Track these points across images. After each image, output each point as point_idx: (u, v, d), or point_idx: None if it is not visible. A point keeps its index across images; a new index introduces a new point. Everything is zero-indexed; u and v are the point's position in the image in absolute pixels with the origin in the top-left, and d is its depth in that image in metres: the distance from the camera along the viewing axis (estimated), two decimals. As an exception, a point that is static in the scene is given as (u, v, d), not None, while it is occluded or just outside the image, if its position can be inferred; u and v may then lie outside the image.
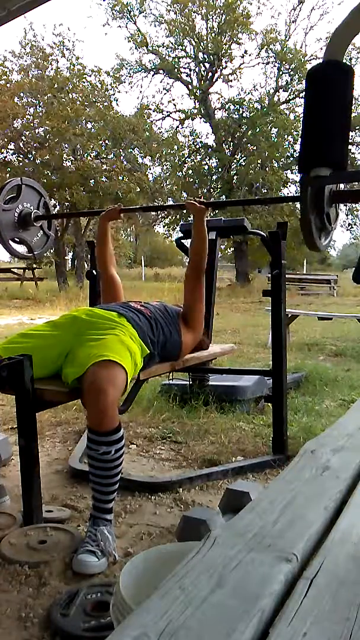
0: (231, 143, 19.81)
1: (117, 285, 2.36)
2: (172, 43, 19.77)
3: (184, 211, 19.92)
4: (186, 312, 2.17)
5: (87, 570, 1.47)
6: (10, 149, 17.76)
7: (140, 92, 42.24)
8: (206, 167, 20.36)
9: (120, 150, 18.12)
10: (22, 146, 17.44)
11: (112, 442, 1.53)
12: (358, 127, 17.51)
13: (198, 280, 2.20)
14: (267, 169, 18.71)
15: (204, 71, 20.09)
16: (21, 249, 2.62)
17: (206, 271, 2.91)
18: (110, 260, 2.40)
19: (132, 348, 1.71)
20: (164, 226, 21.76)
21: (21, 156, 17.84)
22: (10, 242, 2.49)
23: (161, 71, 20.02)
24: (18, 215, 2.50)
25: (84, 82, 17.81)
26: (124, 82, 19.67)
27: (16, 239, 2.50)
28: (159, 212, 21.46)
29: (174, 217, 20.34)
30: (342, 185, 1.25)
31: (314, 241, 1.15)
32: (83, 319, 1.84)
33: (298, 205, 20.36)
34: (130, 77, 19.91)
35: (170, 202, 20.51)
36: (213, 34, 19.20)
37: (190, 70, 20.22)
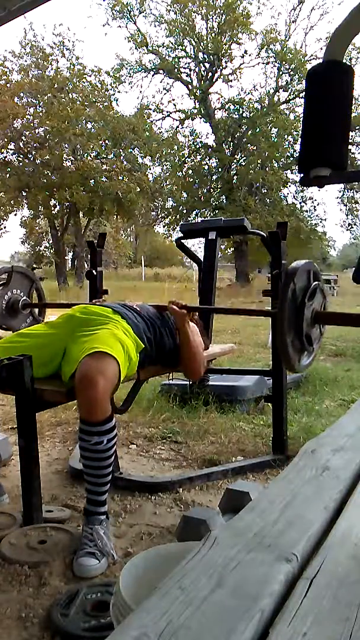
0: (231, 143, 19.82)
1: None
2: (172, 43, 19.80)
3: (184, 211, 20.02)
4: (182, 367, 2.07)
5: (89, 573, 1.47)
6: (10, 149, 17.77)
7: (140, 92, 42.32)
8: (206, 167, 20.37)
9: (120, 150, 18.13)
10: (22, 146, 17.45)
11: (104, 432, 1.52)
12: (358, 127, 17.51)
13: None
14: (267, 169, 18.72)
15: (204, 71, 20.10)
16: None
17: (206, 271, 2.91)
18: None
19: (125, 341, 1.70)
20: (164, 226, 21.80)
21: (21, 156, 17.85)
22: None
23: (161, 71, 20.03)
24: (6, 302, 2.49)
25: (84, 82, 17.82)
26: (124, 82, 19.69)
27: (3, 326, 2.49)
28: (159, 211, 21.50)
29: (174, 217, 20.35)
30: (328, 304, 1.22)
31: (291, 363, 1.11)
32: (78, 316, 1.84)
33: (298, 206, 20.26)
34: (130, 77, 19.93)
35: (171, 203, 20.53)
36: (213, 34, 19.21)
37: (190, 70, 20.25)
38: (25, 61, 17.48)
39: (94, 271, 2.67)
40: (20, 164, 17.61)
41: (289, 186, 19.50)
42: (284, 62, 19.31)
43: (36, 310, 2.64)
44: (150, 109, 19.99)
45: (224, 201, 19.38)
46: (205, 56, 19.81)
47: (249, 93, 19.96)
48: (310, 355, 1.18)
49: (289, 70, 19.36)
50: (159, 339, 1.93)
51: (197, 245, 4.36)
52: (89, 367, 1.51)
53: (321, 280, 1.19)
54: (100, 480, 1.58)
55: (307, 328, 1.12)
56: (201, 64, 20.03)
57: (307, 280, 1.13)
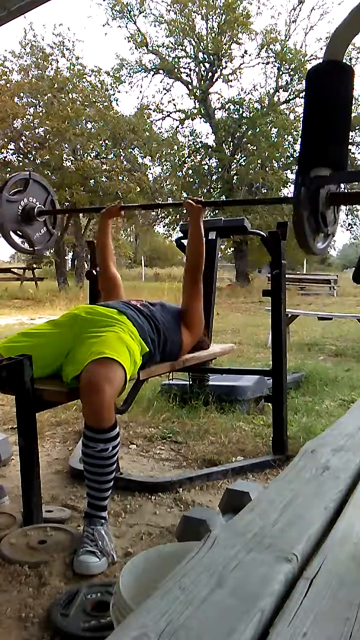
0: (231, 143, 19.81)
1: (118, 283, 2.35)
2: (172, 43, 19.78)
3: (184, 211, 19.99)
4: (185, 312, 2.15)
5: (89, 571, 1.47)
6: (10, 149, 17.76)
7: (140, 92, 42.23)
8: (206, 167, 20.37)
9: (120, 150, 18.12)
10: (22, 146, 17.44)
11: (109, 439, 1.53)
12: (358, 127, 17.51)
13: (196, 280, 2.18)
14: (267, 169, 18.71)
15: (204, 71, 20.09)
16: (23, 243, 2.59)
17: (206, 271, 2.91)
18: (110, 257, 2.38)
19: (131, 346, 1.71)
20: (164, 226, 21.78)
21: (21, 156, 17.84)
22: (12, 234, 2.47)
23: (161, 71, 20.02)
24: (22, 208, 2.47)
25: (84, 82, 17.81)
26: (124, 82, 19.68)
27: (18, 232, 2.48)
28: (159, 211, 21.46)
29: (174, 217, 20.34)
30: (342, 187, 1.23)
31: (307, 242, 1.11)
32: (83, 317, 1.84)
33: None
34: (130, 77, 19.92)
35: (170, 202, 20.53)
36: (213, 34, 19.20)
37: (190, 70, 20.23)
38: (25, 61, 17.47)
39: (94, 271, 2.67)
40: (20, 164, 17.60)
41: (289, 186, 19.47)
42: (284, 62, 19.29)
43: (50, 220, 2.64)
44: (150, 109, 19.98)
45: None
46: (205, 56, 19.80)
47: (249, 93, 19.96)
48: (325, 239, 1.18)
49: (289, 70, 19.35)
50: (163, 338, 1.94)
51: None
52: (96, 374, 1.51)
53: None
54: (102, 485, 1.58)
55: (323, 207, 1.12)
56: (201, 64, 20.02)
57: None
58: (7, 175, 16.98)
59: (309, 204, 1.07)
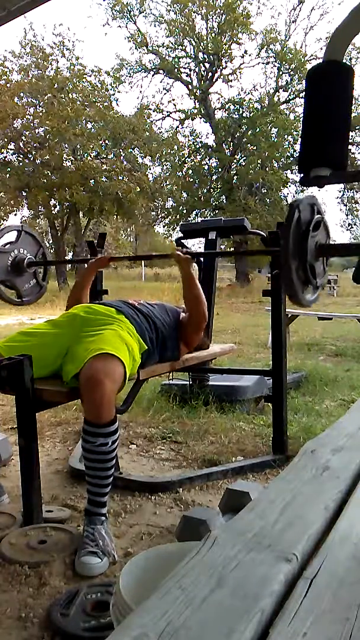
0: (231, 143, 19.82)
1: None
2: (172, 43, 19.79)
3: (184, 211, 20.01)
4: (188, 315, 2.12)
5: (91, 572, 1.47)
6: (10, 149, 17.77)
7: (140, 92, 42.31)
8: (206, 167, 20.37)
9: (120, 150, 18.12)
10: (22, 146, 17.44)
11: (109, 433, 1.54)
12: (358, 127, 17.51)
13: (200, 331, 2.09)
14: (267, 169, 18.71)
15: (204, 71, 20.10)
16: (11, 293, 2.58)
17: (206, 271, 2.91)
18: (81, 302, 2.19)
19: (130, 343, 1.71)
20: (164, 226, 21.78)
21: (21, 156, 17.84)
22: (0, 285, 2.47)
23: (161, 71, 20.03)
24: (12, 259, 2.49)
25: (84, 82, 17.81)
26: (124, 82, 19.69)
27: (7, 283, 2.49)
28: (159, 211, 21.45)
29: (174, 217, 20.35)
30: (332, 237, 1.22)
31: (296, 294, 1.10)
32: (82, 316, 1.84)
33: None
34: (130, 77, 19.94)
35: (171, 203, 20.55)
36: (213, 34, 19.20)
37: (190, 70, 20.25)
38: (25, 61, 17.47)
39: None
40: (20, 164, 17.60)
41: (289, 186, 19.51)
42: (284, 62, 19.30)
43: (40, 272, 2.64)
44: (150, 109, 19.98)
45: (224, 201, 19.38)
46: (205, 56, 19.81)
47: (249, 93, 19.98)
48: (314, 291, 1.18)
49: (289, 70, 19.36)
50: (161, 337, 1.94)
51: (197, 245, 4.36)
52: (96, 369, 1.52)
53: (324, 215, 1.19)
54: (102, 481, 1.58)
55: (311, 259, 1.12)
56: (201, 64, 20.02)
57: (311, 213, 1.13)
58: (7, 175, 17.02)
59: (297, 255, 1.07)
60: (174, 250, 2.11)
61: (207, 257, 2.90)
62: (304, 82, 1.66)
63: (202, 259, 2.92)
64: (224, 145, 19.79)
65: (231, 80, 20.17)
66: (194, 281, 2.05)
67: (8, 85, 16.62)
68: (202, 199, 19.76)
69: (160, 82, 26.57)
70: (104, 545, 1.53)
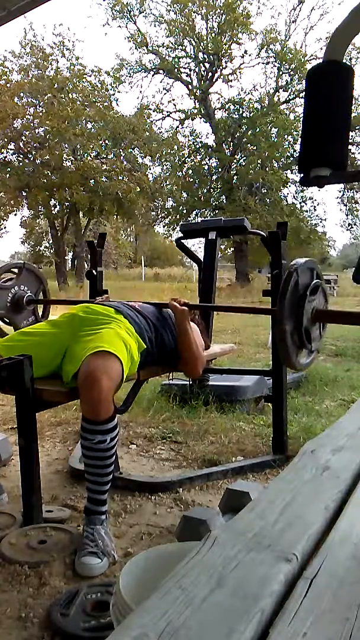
0: (231, 143, 19.82)
1: None
2: (172, 43, 19.80)
3: (184, 211, 20.01)
4: (182, 365, 2.04)
5: (91, 572, 1.47)
6: (10, 149, 17.77)
7: (140, 92, 42.35)
8: (206, 167, 20.38)
9: (120, 150, 18.13)
10: (22, 146, 17.44)
11: (107, 430, 1.53)
12: (358, 127, 17.51)
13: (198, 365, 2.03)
14: (267, 169, 18.72)
15: (204, 71, 20.10)
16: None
17: (206, 271, 2.91)
18: None
19: (128, 341, 1.71)
20: (164, 226, 21.79)
21: (21, 156, 17.85)
22: None
23: (161, 71, 20.03)
24: (12, 296, 2.49)
25: (84, 82, 17.81)
26: (124, 82, 19.68)
27: (5, 319, 2.49)
28: (159, 211, 21.45)
29: (174, 217, 20.35)
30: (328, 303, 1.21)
31: (289, 358, 1.09)
32: (80, 316, 1.84)
33: (298, 206, 20.24)
34: (130, 77, 19.93)
35: (171, 203, 20.55)
36: (213, 34, 19.21)
37: (190, 70, 20.25)
38: (25, 61, 17.48)
39: (94, 271, 2.67)
40: (20, 164, 17.60)
41: (289, 186, 19.51)
42: (284, 62, 19.30)
43: (40, 309, 2.65)
44: (150, 109, 19.99)
45: (224, 201, 19.39)
46: (205, 56, 19.81)
47: (249, 93, 19.98)
48: (309, 355, 1.17)
49: (289, 70, 19.36)
50: (160, 339, 1.93)
51: (197, 245, 4.37)
52: (94, 366, 1.52)
53: (323, 280, 1.19)
54: (102, 479, 1.58)
55: (307, 323, 1.11)
56: (201, 64, 20.03)
57: (310, 277, 1.13)
58: (7, 175, 17.03)
59: (293, 319, 1.07)
60: (170, 301, 2.01)
61: (207, 257, 2.90)
62: (304, 82, 1.66)
63: (202, 259, 2.92)
64: (224, 145, 19.79)
65: (231, 80, 20.19)
66: (188, 337, 1.93)
67: (8, 85, 16.62)
68: (202, 199, 19.76)
69: (160, 82, 26.59)
70: (104, 545, 1.53)
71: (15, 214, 20.76)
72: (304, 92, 0.97)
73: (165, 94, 29.34)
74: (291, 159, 18.88)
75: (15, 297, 2.50)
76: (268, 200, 19.07)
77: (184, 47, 19.92)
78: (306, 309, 1.10)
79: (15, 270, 2.54)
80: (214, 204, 19.79)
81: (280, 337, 1.08)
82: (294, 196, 20.08)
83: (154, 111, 20.12)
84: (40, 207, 18.24)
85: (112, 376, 1.53)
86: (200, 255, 2.96)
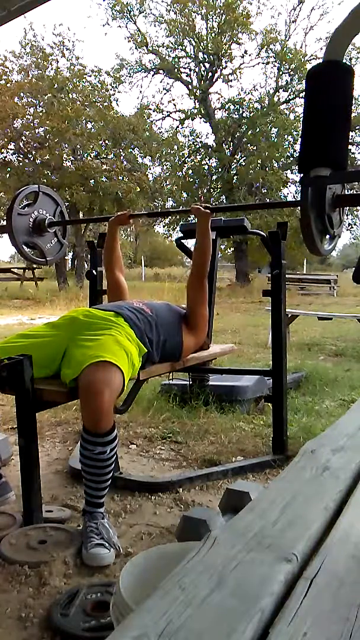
0: (231, 143, 19.81)
1: (123, 288, 2.36)
2: (172, 43, 19.78)
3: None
4: (189, 315, 2.15)
5: (101, 562, 1.50)
6: (10, 149, 17.76)
7: (140, 92, 42.36)
8: (206, 167, 20.36)
9: (120, 150, 18.13)
10: (22, 146, 17.43)
11: (107, 442, 1.55)
12: (358, 127, 17.51)
13: (201, 284, 2.17)
14: (267, 169, 18.71)
15: (204, 71, 20.09)
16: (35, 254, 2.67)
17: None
18: (117, 264, 2.40)
19: (129, 348, 1.71)
20: (164, 226, 21.76)
21: (21, 156, 17.84)
22: (24, 246, 2.51)
23: (161, 71, 20.02)
24: (33, 221, 2.54)
25: (84, 82, 17.81)
26: (124, 82, 19.66)
27: (30, 244, 2.54)
28: (156, 219, 21.44)
29: (174, 217, 20.32)
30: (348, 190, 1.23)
31: (314, 244, 1.12)
32: (80, 319, 1.84)
33: (298, 208, 20.36)
34: (130, 77, 19.91)
35: (170, 203, 20.54)
36: (213, 34, 19.19)
37: (190, 70, 20.23)
38: (25, 61, 17.46)
39: (94, 271, 2.67)
40: (20, 164, 17.59)
41: (289, 186, 19.49)
42: (284, 62, 19.29)
43: (60, 230, 2.71)
44: (150, 109, 19.98)
45: (224, 201, 19.37)
46: (205, 56, 19.80)
47: (249, 93, 19.95)
48: (332, 240, 1.19)
49: (289, 70, 19.35)
50: (163, 338, 1.93)
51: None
52: (95, 378, 1.52)
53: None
54: (100, 485, 1.60)
55: (329, 209, 1.12)
56: (201, 64, 20.01)
57: None
58: (7, 175, 17.02)
59: (315, 207, 1.08)
60: (193, 205, 2.26)
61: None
62: (304, 82, 1.66)
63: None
64: (224, 145, 19.78)
65: (231, 80, 20.16)
66: (207, 232, 2.20)
67: (8, 85, 16.61)
68: (202, 199, 19.75)
69: (160, 82, 26.58)
70: (109, 537, 1.56)
71: (15, 214, 20.72)
72: (304, 92, 0.97)
73: (165, 94, 29.29)
74: (291, 159, 18.87)
75: (37, 222, 2.56)
76: (268, 200, 19.06)
77: (184, 47, 19.91)
78: (327, 195, 1.11)
79: (32, 195, 2.59)
80: (214, 204, 19.79)
81: (306, 227, 1.09)
82: (294, 196, 20.04)
83: (154, 111, 20.12)
84: (40, 207, 18.21)
85: (112, 388, 1.54)
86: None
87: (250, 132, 18.88)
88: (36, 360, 1.66)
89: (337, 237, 1.21)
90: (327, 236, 1.17)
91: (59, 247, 2.71)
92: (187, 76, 20.24)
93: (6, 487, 1.97)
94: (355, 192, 1.34)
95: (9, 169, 17.26)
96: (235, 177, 19.13)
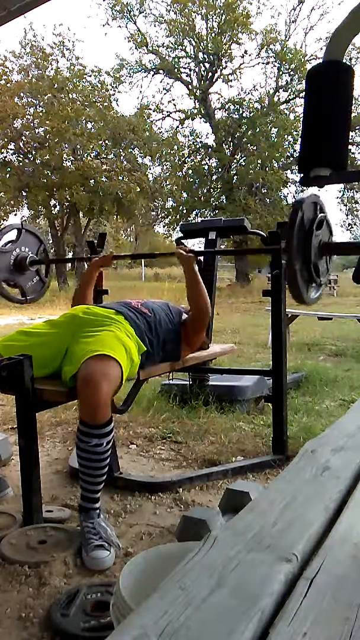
0: (231, 143, 19.82)
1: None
2: (172, 43, 19.80)
3: (184, 211, 20.02)
4: (189, 319, 2.11)
5: (103, 565, 1.50)
6: (10, 149, 17.76)
7: (140, 92, 42.35)
8: (206, 167, 20.37)
9: (120, 150, 18.14)
10: (22, 146, 17.44)
11: (103, 434, 1.54)
12: (358, 127, 17.51)
13: (202, 330, 2.11)
14: (267, 169, 18.71)
15: (204, 71, 20.10)
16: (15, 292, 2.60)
17: (206, 271, 2.91)
18: (85, 302, 2.22)
19: (128, 344, 1.71)
20: (164, 226, 21.80)
21: (21, 156, 17.85)
22: (4, 284, 2.47)
23: (161, 71, 20.03)
24: (14, 258, 2.49)
25: (84, 82, 17.81)
26: (124, 82, 19.68)
27: (10, 282, 2.49)
28: (159, 211, 21.46)
29: (174, 217, 20.34)
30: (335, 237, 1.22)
31: (300, 293, 1.11)
32: (80, 317, 1.84)
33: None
34: (130, 77, 19.94)
35: (171, 203, 20.56)
36: (213, 34, 19.20)
37: (190, 70, 20.25)
38: (25, 61, 17.48)
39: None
40: (20, 164, 17.60)
41: (289, 186, 19.51)
42: (284, 62, 19.30)
43: (43, 269, 2.65)
44: (150, 109, 19.99)
45: (224, 201, 19.38)
46: (205, 56, 19.80)
47: (249, 93, 19.98)
48: (318, 288, 1.18)
49: (289, 70, 19.36)
50: (162, 339, 1.93)
51: (197, 245, 4.36)
52: (93, 370, 1.52)
53: (327, 214, 1.19)
54: (96, 479, 1.60)
55: (315, 258, 1.12)
56: (201, 64, 20.02)
57: (313, 212, 1.13)
58: (7, 175, 17.03)
59: (301, 255, 1.07)
60: (176, 249, 2.13)
61: (208, 257, 2.90)
62: (304, 82, 1.66)
63: (202, 258, 2.92)
64: (224, 145, 19.78)
65: (231, 80, 20.18)
66: (196, 278, 2.06)
67: (8, 85, 16.62)
68: (202, 199, 19.76)
69: (160, 82, 26.59)
70: (107, 536, 1.56)
71: (15, 214, 20.75)
72: (304, 92, 0.97)
73: (165, 94, 29.37)
74: (291, 159, 18.88)
75: (18, 259, 2.50)
76: (268, 200, 19.07)
77: (184, 47, 19.92)
78: (313, 243, 1.11)
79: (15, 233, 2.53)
80: (214, 204, 19.78)
81: (291, 277, 1.08)
82: (294, 196, 20.05)
83: (154, 111, 20.13)
84: (40, 207, 18.24)
85: (110, 380, 1.53)
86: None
87: (250, 132, 18.89)
88: (36, 360, 1.66)
89: (323, 285, 1.21)
90: (313, 284, 1.16)
91: (41, 286, 2.65)
92: (187, 76, 20.26)
93: (3, 484, 1.97)
94: (341, 241, 1.34)
95: (9, 169, 17.26)
96: (235, 177, 19.13)
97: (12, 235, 2.53)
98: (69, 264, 23.88)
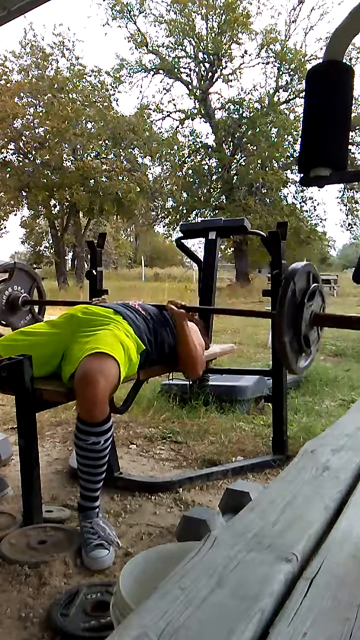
0: (231, 143, 19.82)
1: None
2: (172, 43, 19.79)
3: (184, 211, 20.02)
4: (180, 364, 2.04)
5: (103, 565, 1.50)
6: (10, 149, 17.77)
7: (140, 92, 42.31)
8: (206, 167, 20.37)
9: (120, 150, 18.14)
10: (22, 146, 17.44)
11: (102, 432, 1.54)
12: (358, 127, 17.51)
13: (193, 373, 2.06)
14: (267, 169, 18.71)
15: (204, 71, 20.09)
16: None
17: (206, 271, 2.91)
18: None
19: (126, 342, 1.70)
20: (164, 226, 21.79)
21: (21, 156, 17.85)
22: None
23: (161, 71, 20.03)
24: (6, 298, 2.47)
25: (84, 82, 17.82)
26: (124, 82, 19.68)
27: (2, 322, 2.46)
28: (159, 211, 21.45)
29: (174, 217, 20.34)
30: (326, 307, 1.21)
31: (289, 364, 1.11)
32: (79, 316, 1.84)
33: (298, 206, 20.21)
34: (130, 77, 19.93)
35: (171, 203, 20.56)
36: (213, 34, 19.20)
37: (190, 70, 20.24)
38: (25, 61, 17.48)
39: (94, 271, 2.67)
40: (20, 164, 17.60)
41: (289, 186, 19.50)
42: (284, 62, 19.30)
43: (36, 308, 2.63)
44: (150, 109, 19.99)
45: (224, 201, 19.38)
46: (205, 56, 19.80)
47: (249, 93, 19.97)
48: (308, 357, 1.17)
49: (289, 70, 19.35)
50: (160, 340, 1.93)
51: (197, 245, 4.36)
52: (90, 367, 1.51)
53: (320, 282, 1.19)
54: (95, 478, 1.60)
55: (306, 329, 1.11)
56: (201, 64, 20.02)
57: (306, 282, 1.13)
58: (7, 175, 17.04)
59: (292, 327, 1.07)
60: (167, 304, 2.01)
61: (208, 257, 2.90)
62: (304, 82, 1.66)
63: (202, 258, 2.92)
64: (224, 145, 19.78)
65: (231, 80, 20.17)
66: (185, 336, 1.94)
67: (8, 85, 16.62)
68: (202, 199, 19.76)
69: (160, 82, 26.58)
70: (106, 535, 1.56)
71: (15, 214, 20.78)
72: (304, 92, 0.97)
73: (165, 94, 29.33)
74: (291, 159, 18.88)
75: (10, 299, 2.47)
76: (268, 200, 19.06)
77: (184, 47, 19.92)
78: (304, 316, 1.10)
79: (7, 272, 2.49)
80: (214, 204, 19.78)
81: (280, 349, 1.08)
82: (294, 196, 20.08)
83: (154, 111, 20.13)
84: (40, 207, 18.25)
85: (108, 378, 1.53)
86: (200, 255, 2.96)
87: (250, 132, 18.88)
88: (37, 359, 1.66)
89: (313, 354, 1.21)
90: (303, 354, 1.16)
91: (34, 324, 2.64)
92: (187, 76, 20.26)
93: (3, 484, 1.97)
94: (333, 314, 1.33)
95: (9, 169, 17.27)
96: (235, 177, 19.13)
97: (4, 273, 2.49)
98: (69, 264, 23.88)
